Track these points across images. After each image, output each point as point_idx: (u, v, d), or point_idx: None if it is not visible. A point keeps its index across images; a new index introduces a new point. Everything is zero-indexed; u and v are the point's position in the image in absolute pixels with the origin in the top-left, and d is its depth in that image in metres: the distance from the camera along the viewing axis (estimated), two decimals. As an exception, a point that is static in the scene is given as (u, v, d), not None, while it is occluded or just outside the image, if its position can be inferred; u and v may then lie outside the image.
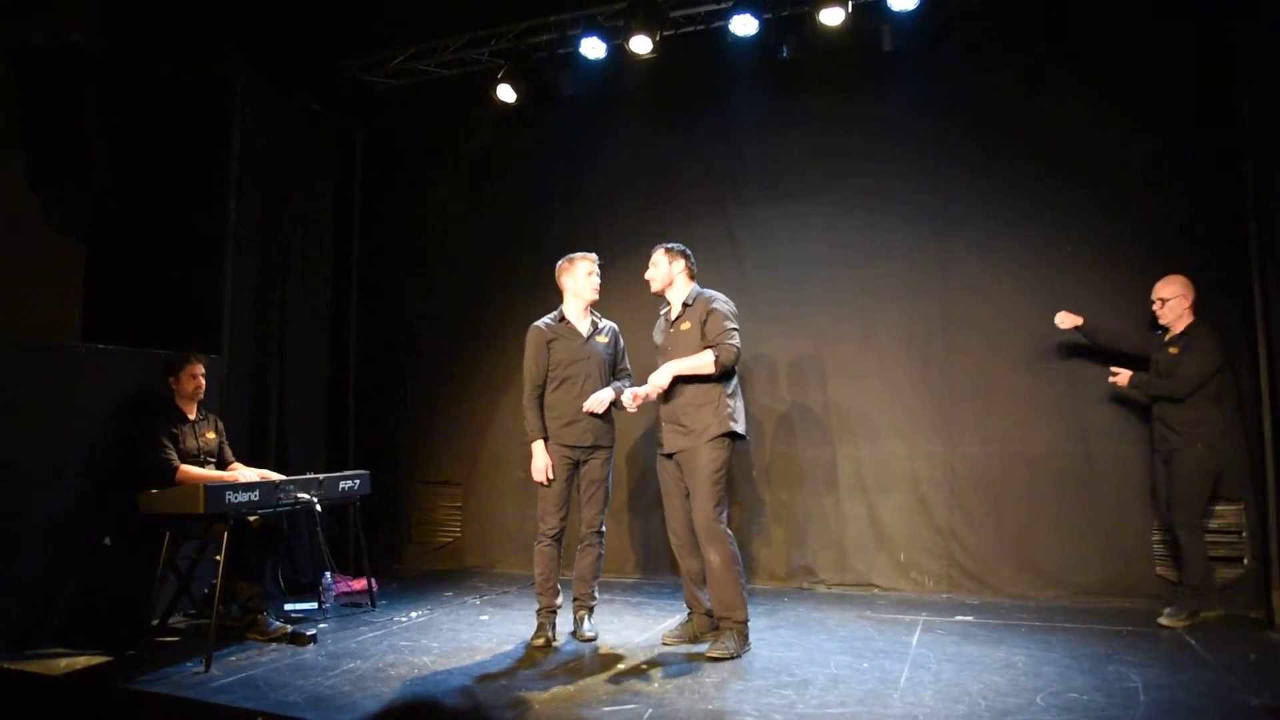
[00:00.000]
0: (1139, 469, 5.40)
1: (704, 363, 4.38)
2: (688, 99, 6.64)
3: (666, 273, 4.65)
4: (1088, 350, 5.54)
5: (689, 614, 4.72)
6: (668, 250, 4.67)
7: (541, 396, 4.72)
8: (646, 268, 6.54)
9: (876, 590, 5.89)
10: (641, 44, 6.06)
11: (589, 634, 4.70)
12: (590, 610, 4.80)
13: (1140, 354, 5.14)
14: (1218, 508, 5.22)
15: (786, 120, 6.37)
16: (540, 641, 4.62)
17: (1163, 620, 4.83)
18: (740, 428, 4.48)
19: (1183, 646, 4.42)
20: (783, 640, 4.60)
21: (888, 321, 6.01)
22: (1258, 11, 4.90)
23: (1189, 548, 4.88)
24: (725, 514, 4.44)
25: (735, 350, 4.40)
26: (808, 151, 6.27)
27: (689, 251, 4.71)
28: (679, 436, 4.51)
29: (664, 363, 4.51)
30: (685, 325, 4.54)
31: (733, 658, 4.30)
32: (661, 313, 4.78)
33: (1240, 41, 5.10)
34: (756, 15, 5.91)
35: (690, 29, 6.44)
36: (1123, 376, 5.06)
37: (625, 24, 6.08)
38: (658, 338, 4.73)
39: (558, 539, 4.70)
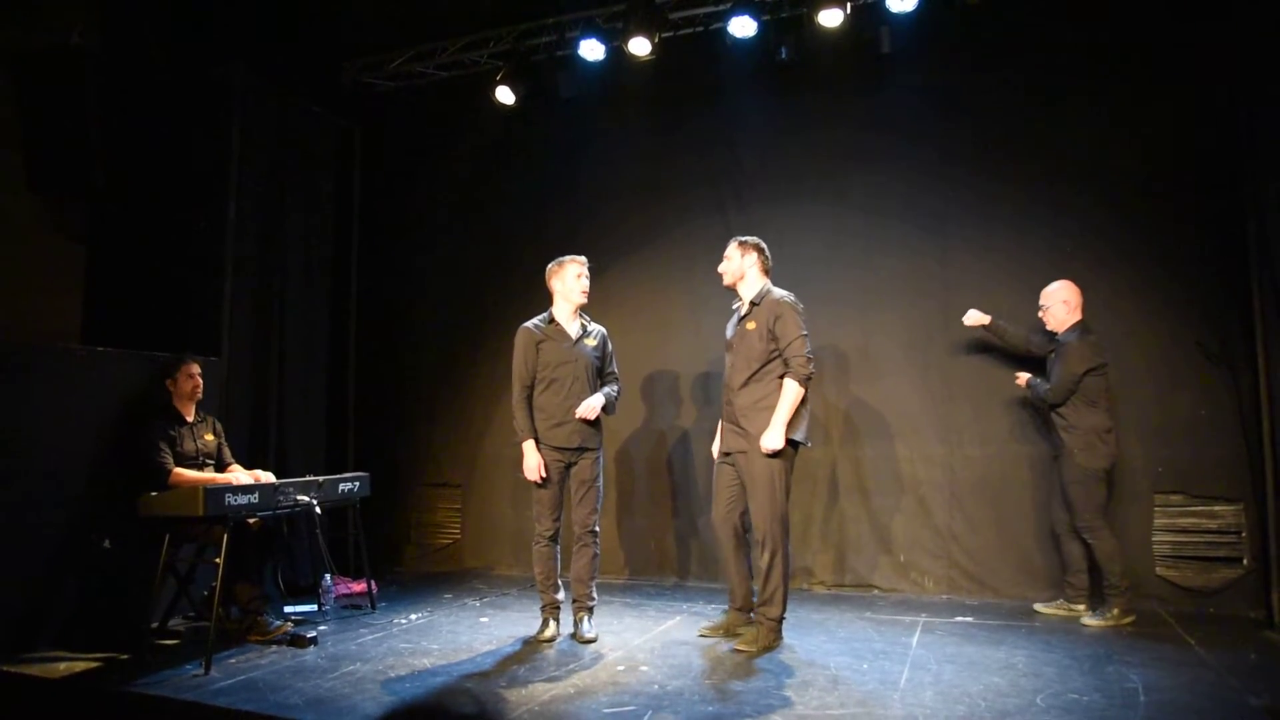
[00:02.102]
0: (1138, 470, 5.41)
1: (795, 397, 4.41)
2: (686, 101, 6.64)
3: (738, 266, 4.65)
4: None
5: (728, 608, 4.79)
6: (741, 243, 4.67)
7: (530, 397, 4.76)
8: (644, 270, 6.65)
9: (876, 591, 5.89)
10: (640, 46, 6.06)
11: (589, 635, 4.73)
12: (590, 611, 4.82)
13: (1044, 356, 5.24)
14: (1216, 508, 5.25)
15: (785, 122, 6.38)
16: (547, 635, 4.73)
17: (1087, 621, 4.91)
18: (799, 435, 4.47)
19: (1182, 647, 4.43)
20: (783, 641, 4.59)
21: (887, 323, 6.02)
22: (1257, 11, 4.91)
23: (1098, 548, 4.91)
24: (784, 516, 4.46)
25: (806, 361, 4.44)
26: (806, 153, 6.27)
27: (764, 245, 4.70)
28: (737, 438, 4.55)
29: (729, 357, 4.64)
30: (751, 325, 4.55)
31: (760, 652, 4.39)
32: (734, 307, 4.79)
33: (1239, 42, 5.11)
34: (755, 17, 5.91)
35: (689, 31, 6.44)
36: (1020, 379, 5.15)
37: (624, 26, 6.08)
38: (728, 333, 4.76)
39: (554, 539, 4.78)
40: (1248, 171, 5.04)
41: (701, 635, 4.75)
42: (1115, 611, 4.87)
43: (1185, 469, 5.33)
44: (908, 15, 5.68)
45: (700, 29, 6.44)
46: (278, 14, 6.49)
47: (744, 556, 4.73)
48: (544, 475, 4.67)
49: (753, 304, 4.60)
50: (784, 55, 5.96)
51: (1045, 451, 5.57)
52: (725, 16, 6.03)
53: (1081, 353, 4.94)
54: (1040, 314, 5.20)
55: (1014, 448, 5.68)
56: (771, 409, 4.42)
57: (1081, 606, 5.06)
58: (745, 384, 4.50)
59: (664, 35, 6.12)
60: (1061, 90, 5.68)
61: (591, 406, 4.71)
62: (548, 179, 7.02)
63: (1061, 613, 5.10)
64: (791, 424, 4.42)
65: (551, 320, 4.84)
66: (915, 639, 4.68)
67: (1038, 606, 5.21)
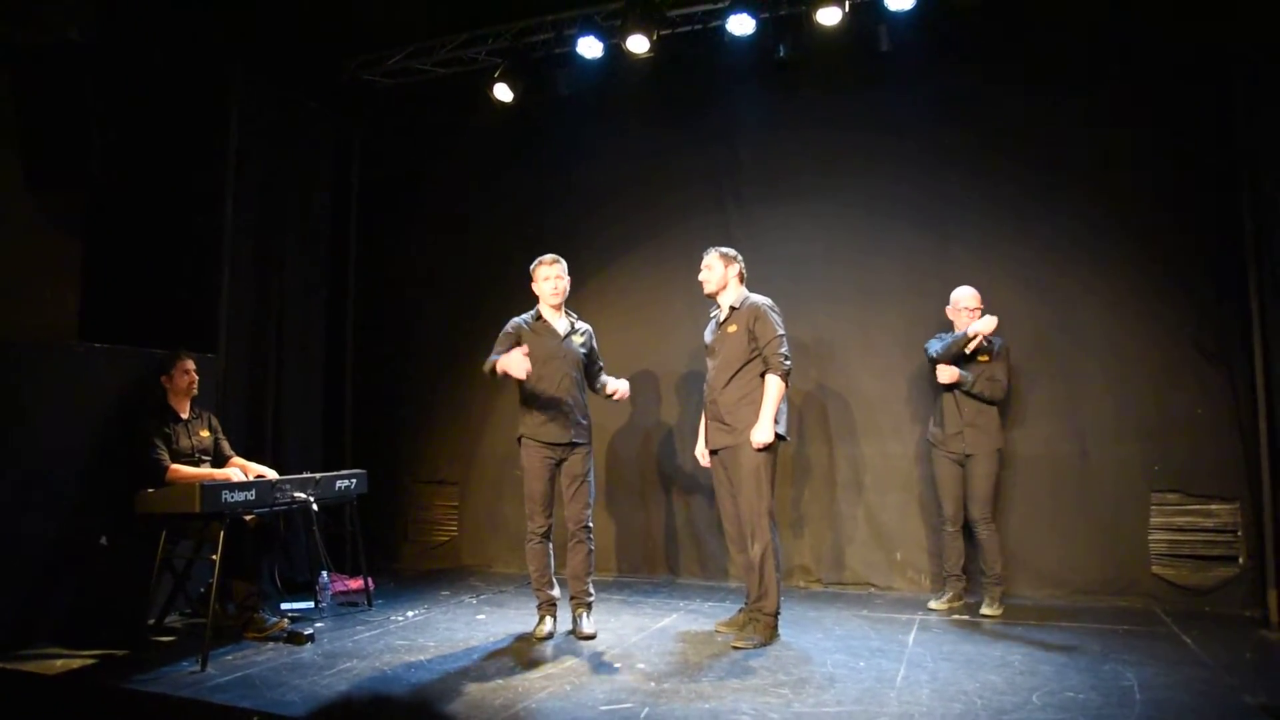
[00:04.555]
0: (1136, 468, 5.42)
1: (778, 393, 4.59)
2: (685, 98, 6.64)
3: (722, 276, 4.82)
4: (1084, 349, 5.56)
5: (745, 604, 4.83)
6: (722, 254, 4.84)
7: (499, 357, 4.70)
8: (643, 268, 6.65)
9: (873, 589, 5.90)
10: (638, 43, 6.06)
11: (588, 631, 4.75)
12: (588, 607, 4.85)
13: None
14: (1212, 506, 5.26)
15: (784, 120, 6.37)
16: (543, 633, 4.75)
17: (985, 611, 5.12)
18: (781, 428, 4.63)
19: (1178, 645, 4.44)
20: (779, 639, 4.60)
21: (885, 321, 6.02)
22: (1256, 12, 4.91)
23: (991, 540, 5.21)
24: (770, 509, 4.57)
25: (784, 359, 4.60)
26: (805, 151, 6.27)
27: (740, 256, 4.87)
28: (722, 434, 4.71)
29: (711, 361, 4.81)
30: (732, 328, 4.73)
31: (756, 648, 4.45)
32: (712, 314, 4.96)
33: (1239, 42, 5.11)
34: (754, 15, 5.90)
35: (687, 28, 6.42)
36: (954, 374, 5.26)
37: (622, 23, 6.07)
38: (708, 338, 4.93)
39: (546, 536, 4.81)
40: (1246, 171, 5.05)
41: (718, 632, 4.81)
42: (997, 603, 5.16)
43: (1182, 467, 5.34)
44: (906, 13, 5.66)
45: (699, 27, 6.42)
46: (276, 10, 6.47)
47: None
48: (529, 369, 4.52)
49: (732, 309, 4.77)
50: (782, 53, 5.96)
51: (1042, 449, 5.61)
52: (724, 14, 6.02)
53: (1010, 356, 5.28)
54: (976, 314, 5.30)
55: (1009, 446, 5.65)
56: (754, 404, 4.59)
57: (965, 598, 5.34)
58: (728, 383, 4.68)
59: (662, 33, 6.11)
60: (1060, 89, 5.68)
61: (623, 390, 4.86)
62: (546, 176, 7.01)
63: (958, 605, 5.29)
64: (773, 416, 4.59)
65: (539, 317, 4.91)
66: (911, 637, 4.69)
67: (932, 604, 5.35)
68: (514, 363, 4.50)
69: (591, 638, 4.71)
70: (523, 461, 4.82)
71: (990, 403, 5.23)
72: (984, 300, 5.38)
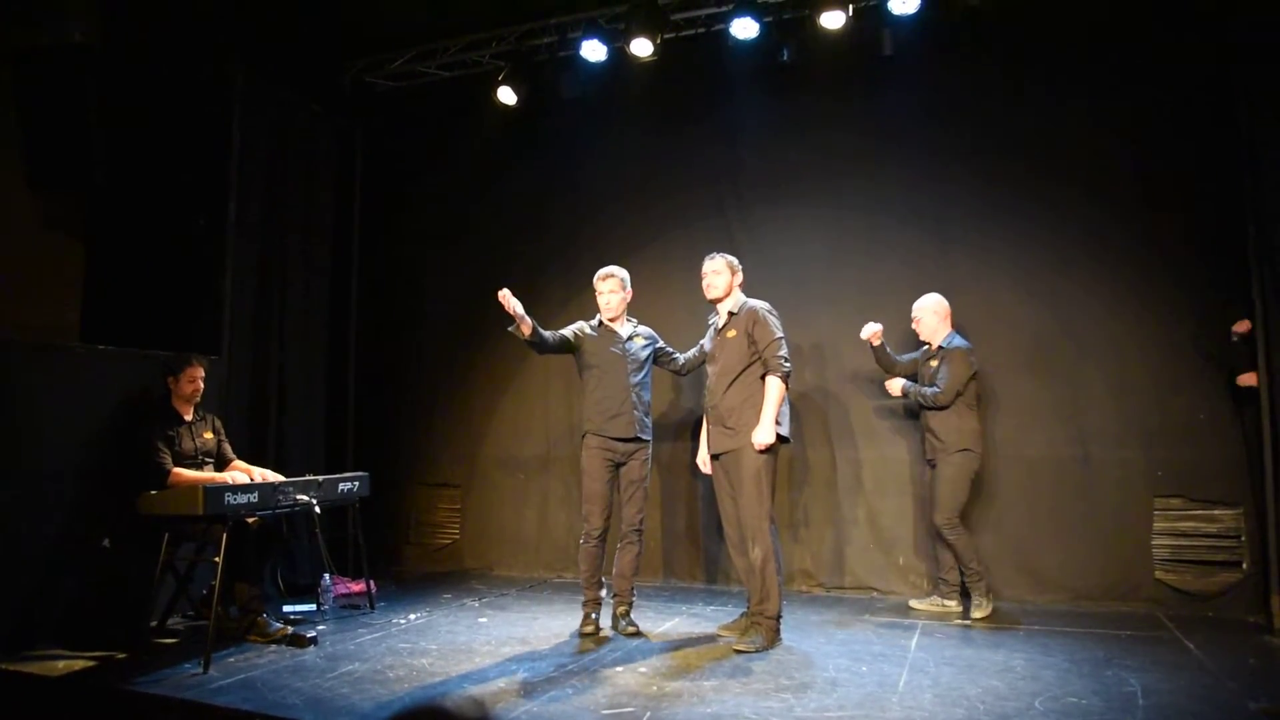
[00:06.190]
0: (1138, 473, 5.42)
1: (778, 394, 4.60)
2: (688, 102, 6.64)
3: (729, 282, 4.86)
4: (1086, 353, 5.56)
5: (747, 609, 4.85)
6: (729, 262, 4.89)
7: (553, 334, 4.89)
8: (645, 269, 6.63)
9: (875, 593, 5.89)
10: (642, 47, 6.07)
11: (630, 629, 4.87)
12: (630, 605, 4.97)
13: (911, 374, 5.53)
14: (1216, 512, 5.25)
15: (786, 123, 6.37)
16: (589, 629, 4.88)
17: (975, 613, 5.14)
18: (784, 430, 4.67)
19: (1181, 651, 4.43)
20: (781, 643, 4.60)
21: (887, 323, 5.96)
22: (1256, 16, 4.91)
23: (957, 544, 5.21)
24: (770, 512, 4.60)
25: (783, 360, 4.63)
26: (807, 154, 6.27)
27: (740, 265, 4.93)
28: (724, 437, 4.74)
29: (711, 368, 4.85)
30: (731, 333, 4.78)
31: (758, 651, 4.47)
32: (710, 321, 5.02)
33: (1239, 45, 5.11)
34: (757, 18, 5.92)
35: (691, 32, 6.44)
36: (896, 385, 5.44)
37: (626, 27, 6.08)
38: (707, 345, 4.98)
39: (602, 539, 4.90)
40: (1248, 175, 5.04)
41: (720, 635, 4.83)
42: (984, 600, 5.14)
43: (1185, 472, 5.33)
44: (909, 18, 5.68)
45: (702, 30, 6.44)
46: (279, 13, 6.48)
47: None
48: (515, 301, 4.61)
49: (730, 314, 4.82)
50: (785, 57, 5.98)
51: (1044, 453, 5.61)
52: (727, 18, 6.04)
53: (966, 358, 5.23)
54: (913, 324, 5.44)
55: (1013, 449, 5.68)
56: (756, 407, 4.61)
57: (954, 602, 5.34)
58: (729, 387, 4.71)
59: (666, 36, 6.12)
60: (1061, 93, 5.68)
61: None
62: (549, 179, 7.01)
63: (936, 609, 5.36)
64: (774, 418, 4.60)
65: (601, 324, 5.02)
66: (914, 641, 4.68)
67: (913, 603, 5.49)
68: (509, 304, 4.57)
69: (634, 634, 4.82)
70: (583, 462, 4.92)
71: (931, 408, 5.26)
72: (989, 303, 5.40)
